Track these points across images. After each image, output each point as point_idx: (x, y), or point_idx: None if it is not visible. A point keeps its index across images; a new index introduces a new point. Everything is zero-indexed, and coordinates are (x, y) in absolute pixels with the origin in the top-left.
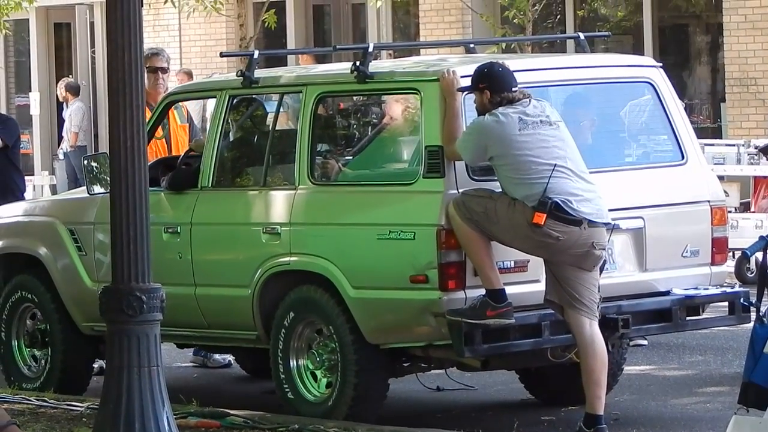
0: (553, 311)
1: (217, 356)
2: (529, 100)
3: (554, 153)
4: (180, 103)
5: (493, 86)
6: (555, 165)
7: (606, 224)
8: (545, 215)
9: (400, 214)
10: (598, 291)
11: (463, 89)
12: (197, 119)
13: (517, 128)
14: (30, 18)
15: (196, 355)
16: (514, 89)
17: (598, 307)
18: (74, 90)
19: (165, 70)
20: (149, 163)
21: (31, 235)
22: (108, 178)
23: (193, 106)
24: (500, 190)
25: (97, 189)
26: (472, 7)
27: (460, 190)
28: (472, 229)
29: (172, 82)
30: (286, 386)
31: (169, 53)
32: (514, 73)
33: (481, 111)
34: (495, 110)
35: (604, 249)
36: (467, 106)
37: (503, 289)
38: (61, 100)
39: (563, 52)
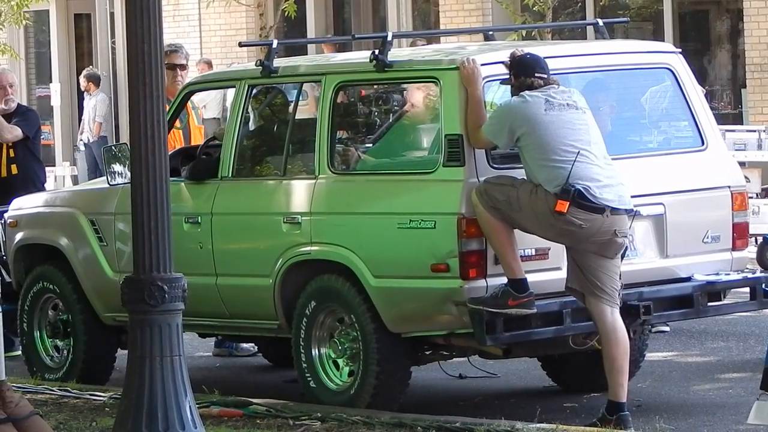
0: (574, 298)
1: (244, 345)
2: (557, 86)
3: (579, 136)
4: (197, 105)
5: (517, 71)
6: (579, 150)
7: (628, 211)
8: (568, 203)
9: (420, 203)
10: (620, 278)
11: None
12: (217, 109)
13: (543, 108)
14: (50, 9)
15: (219, 348)
16: (537, 74)
17: (619, 294)
18: (96, 80)
19: (184, 67)
20: (169, 153)
21: (52, 225)
22: (129, 169)
23: (213, 96)
24: (522, 177)
25: (118, 179)
26: None
27: (482, 178)
28: (495, 218)
29: (192, 72)
30: (308, 375)
31: (189, 43)
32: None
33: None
34: (522, 93)
35: (626, 236)
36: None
37: (525, 279)
38: (83, 89)
39: (583, 39)
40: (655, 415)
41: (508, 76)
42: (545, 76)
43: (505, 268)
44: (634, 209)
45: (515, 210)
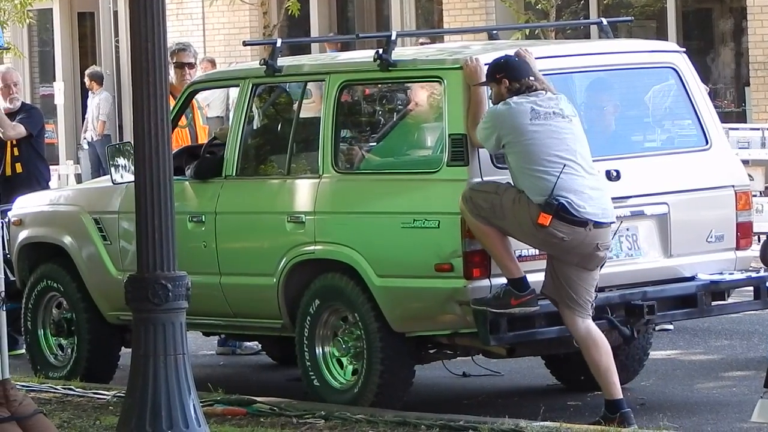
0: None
1: (248, 343)
2: (545, 92)
3: (565, 146)
4: (201, 103)
5: (511, 74)
6: (565, 163)
7: (611, 223)
8: (551, 216)
9: (424, 203)
10: (595, 290)
11: (482, 84)
12: (221, 108)
13: (528, 117)
14: (54, 8)
15: (223, 346)
16: (531, 77)
17: (592, 305)
18: (99, 79)
19: (192, 66)
20: (173, 152)
21: (57, 224)
22: (132, 167)
23: (216, 95)
24: (507, 181)
25: (122, 178)
26: None
27: (468, 184)
28: (484, 223)
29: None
30: (312, 374)
31: (192, 42)
32: (537, 60)
33: (497, 101)
34: (508, 99)
35: (608, 249)
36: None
37: (525, 277)
38: (88, 87)
39: (587, 38)
40: (658, 414)
41: (494, 80)
42: (534, 79)
43: (502, 269)
44: (616, 221)
45: (499, 218)
